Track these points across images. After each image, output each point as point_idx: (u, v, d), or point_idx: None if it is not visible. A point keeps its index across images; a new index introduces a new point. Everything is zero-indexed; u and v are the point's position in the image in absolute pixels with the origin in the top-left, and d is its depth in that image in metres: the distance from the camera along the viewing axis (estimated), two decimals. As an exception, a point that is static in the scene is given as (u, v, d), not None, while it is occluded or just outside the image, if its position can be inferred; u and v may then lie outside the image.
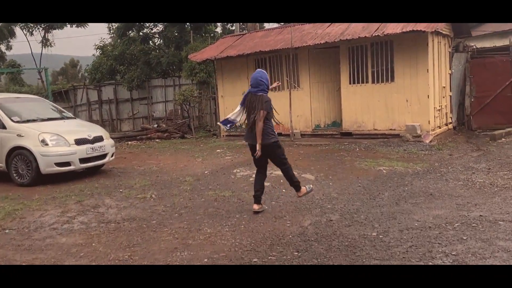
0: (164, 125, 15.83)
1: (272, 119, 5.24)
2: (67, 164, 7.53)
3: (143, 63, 18.96)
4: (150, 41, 20.75)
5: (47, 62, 23.56)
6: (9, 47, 25.74)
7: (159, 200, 6.15)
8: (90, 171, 8.37)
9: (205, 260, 3.96)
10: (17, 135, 7.52)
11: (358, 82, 10.49)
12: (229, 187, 6.66)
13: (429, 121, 9.73)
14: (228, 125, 5.62)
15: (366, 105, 10.38)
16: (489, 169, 7.09)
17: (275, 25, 20.80)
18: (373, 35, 9.54)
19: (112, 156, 8.47)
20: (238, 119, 5.56)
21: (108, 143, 8.28)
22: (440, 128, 10.53)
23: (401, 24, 9.44)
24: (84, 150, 7.70)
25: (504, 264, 3.52)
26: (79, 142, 7.69)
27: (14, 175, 7.57)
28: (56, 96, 21.31)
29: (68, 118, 8.84)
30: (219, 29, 22.33)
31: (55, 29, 22.21)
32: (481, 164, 7.52)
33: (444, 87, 10.86)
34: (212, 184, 6.93)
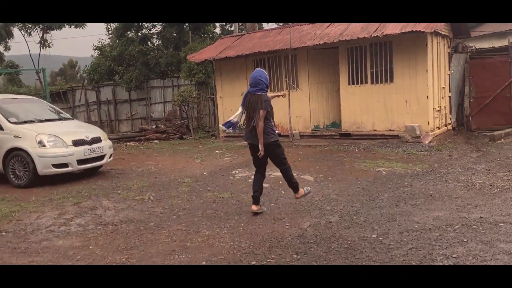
0: (162, 126, 15.78)
1: (272, 119, 5.21)
2: (65, 165, 7.48)
3: (142, 64, 18.92)
4: (149, 42, 20.71)
5: (46, 63, 23.48)
6: (7, 48, 25.66)
7: (157, 201, 6.11)
8: (88, 172, 8.32)
9: (203, 263, 3.92)
10: (14, 136, 7.47)
11: (357, 83, 10.46)
12: (227, 189, 6.62)
13: (428, 122, 9.70)
14: (231, 128, 5.56)
15: (365, 106, 10.35)
16: (489, 170, 7.06)
17: (274, 25, 20.79)
18: (372, 35, 9.52)
19: (110, 157, 8.42)
20: (240, 121, 5.51)
21: (106, 144, 8.23)
22: (439, 129, 10.50)
23: (400, 25, 9.42)
24: (82, 151, 7.65)
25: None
26: (76, 143, 7.64)
27: (11, 176, 7.52)
28: (55, 97, 21.25)
29: (65, 119, 8.79)
30: (217, 30, 22.31)
31: (53, 29, 22.13)
32: (481, 165, 7.49)
33: (443, 87, 10.84)
34: (210, 186, 6.88)
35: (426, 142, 9.51)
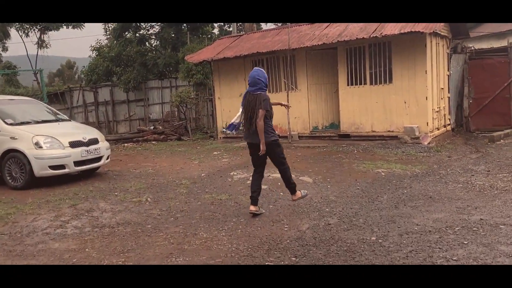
0: (160, 127, 15.73)
1: (271, 118, 5.18)
2: (62, 167, 7.42)
3: (140, 65, 18.84)
4: (147, 42, 20.64)
5: (43, 63, 23.42)
6: (4, 49, 25.59)
7: (155, 203, 6.06)
8: (85, 174, 8.26)
9: (201, 266, 3.87)
10: (11, 137, 7.41)
11: (356, 84, 10.42)
12: (226, 190, 6.57)
13: (427, 123, 9.66)
14: (234, 130, 5.52)
15: (364, 107, 10.31)
16: (489, 171, 7.03)
17: (272, 26, 20.76)
18: (371, 36, 9.48)
19: (107, 158, 8.37)
20: (241, 121, 5.47)
21: (103, 146, 8.18)
22: (438, 129, 10.47)
23: (399, 25, 9.39)
24: (79, 152, 7.59)
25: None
26: (73, 144, 7.58)
27: (8, 178, 7.46)
28: (52, 97, 21.17)
29: (62, 120, 8.73)
30: (216, 31, 22.26)
31: (50, 30, 22.07)
32: (480, 166, 7.46)
33: (442, 88, 10.81)
34: (208, 187, 6.83)
35: (425, 143, 9.48)
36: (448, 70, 11.30)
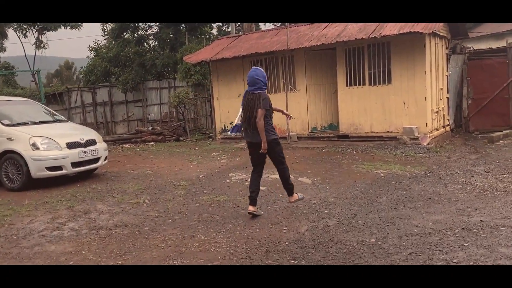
0: (159, 128, 15.67)
1: (271, 117, 5.17)
2: (59, 168, 7.37)
3: (138, 65, 18.80)
4: (145, 43, 20.58)
5: (42, 64, 23.32)
6: (2, 49, 25.47)
7: (152, 205, 6.01)
8: (83, 175, 8.22)
9: (199, 269, 3.82)
10: (8, 138, 7.36)
11: (355, 84, 10.39)
12: (224, 192, 6.53)
13: (426, 124, 9.64)
14: (238, 132, 5.49)
15: (363, 108, 10.28)
16: (488, 172, 7.00)
17: (271, 26, 20.74)
18: (370, 36, 9.45)
19: (105, 159, 8.32)
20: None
21: (101, 147, 8.13)
22: (437, 130, 10.44)
23: (398, 25, 9.36)
24: (76, 154, 7.54)
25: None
26: (71, 145, 7.53)
27: (4, 179, 7.41)
28: (50, 98, 21.10)
29: (60, 121, 8.67)
30: (214, 31, 22.23)
31: (48, 30, 21.97)
32: (480, 167, 7.43)
33: (441, 89, 10.78)
34: (207, 189, 6.79)
35: (424, 143, 9.45)
36: (447, 71, 11.27)
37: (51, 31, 22.14)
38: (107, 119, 20.20)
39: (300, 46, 10.56)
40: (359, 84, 10.32)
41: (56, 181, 7.60)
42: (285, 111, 5.88)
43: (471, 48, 12.41)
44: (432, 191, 5.99)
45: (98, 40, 24.68)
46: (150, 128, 16.20)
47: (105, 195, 6.71)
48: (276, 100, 10.78)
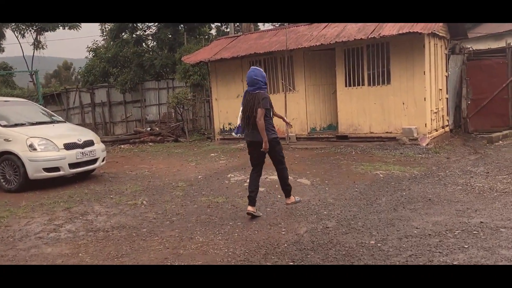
0: (157, 129, 15.63)
1: (272, 117, 5.14)
2: (56, 169, 7.32)
3: (136, 66, 18.76)
4: (144, 43, 20.55)
5: (40, 64, 23.27)
6: (1, 49, 25.42)
7: (150, 206, 5.97)
8: (80, 176, 8.17)
9: (197, 271, 3.78)
10: (5, 139, 7.31)
11: (354, 85, 10.36)
12: (223, 193, 6.49)
13: (425, 124, 9.61)
14: (243, 133, 5.46)
15: (362, 108, 10.25)
16: (488, 173, 6.97)
17: (270, 26, 20.70)
18: (369, 37, 9.43)
19: (103, 160, 8.27)
20: None
21: (98, 148, 8.09)
22: (436, 131, 10.42)
23: (398, 26, 9.33)
24: (74, 154, 7.50)
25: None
26: (68, 146, 7.49)
27: (1, 180, 7.36)
28: (49, 99, 21.04)
29: (58, 122, 8.63)
30: (213, 31, 22.19)
31: (47, 31, 21.94)
32: (479, 167, 7.40)
33: (440, 89, 10.76)
34: (205, 190, 6.75)
35: (424, 144, 9.42)
36: (446, 71, 11.25)
37: (49, 32, 22.12)
38: (105, 120, 20.15)
39: (299, 47, 10.53)
40: (358, 85, 10.29)
41: (54, 182, 7.55)
42: (285, 118, 5.85)
43: (470, 49, 12.39)
44: (432, 192, 5.95)
45: (97, 41, 24.73)
46: (149, 128, 16.16)
47: (102, 196, 6.66)
48: (275, 100, 10.72)
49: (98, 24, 24.87)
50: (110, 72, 20.51)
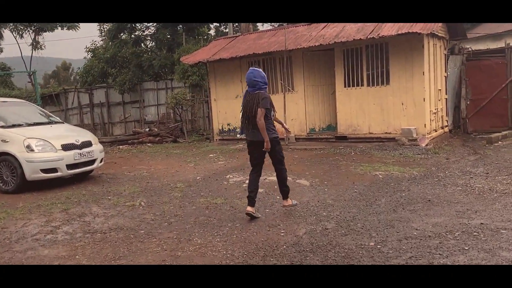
0: (156, 129, 15.58)
1: (272, 116, 5.13)
2: (54, 170, 7.28)
3: (135, 66, 18.72)
4: (142, 44, 20.50)
5: (39, 64, 23.24)
6: (-1, 50, 25.39)
7: (148, 208, 5.93)
8: (78, 177, 8.12)
9: (195, 273, 3.74)
10: (2, 140, 7.26)
11: (353, 85, 10.33)
12: (221, 194, 6.45)
13: (425, 125, 9.58)
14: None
15: (361, 109, 10.22)
16: (487, 173, 6.94)
17: (268, 26, 20.67)
18: (368, 37, 9.40)
19: (101, 161, 8.23)
20: None
21: (97, 148, 8.04)
22: (436, 131, 10.39)
23: (397, 26, 9.30)
24: (72, 155, 7.45)
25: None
26: (66, 147, 7.44)
27: (-2, 182, 7.32)
28: (47, 99, 20.98)
29: (55, 122, 8.58)
30: (212, 32, 22.15)
31: (45, 31, 21.88)
32: (479, 168, 7.37)
33: (439, 89, 10.73)
34: (204, 191, 6.71)
35: (423, 145, 9.39)
36: (445, 71, 11.23)
37: (47, 32, 22.06)
38: (104, 120, 20.11)
39: (298, 47, 10.49)
40: (357, 85, 10.26)
41: (51, 183, 7.50)
42: (284, 124, 5.80)
43: (470, 49, 12.37)
44: (431, 193, 5.92)
45: (95, 41, 24.64)
46: (147, 129, 16.12)
47: (100, 197, 6.62)
48: (274, 101, 10.56)
49: (96, 24, 24.85)
50: (108, 72, 20.46)
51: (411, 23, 9.01)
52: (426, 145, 9.42)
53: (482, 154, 8.77)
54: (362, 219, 4.94)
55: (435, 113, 10.31)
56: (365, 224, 4.75)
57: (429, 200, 5.56)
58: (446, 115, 11.42)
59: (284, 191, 5.28)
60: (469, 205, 5.26)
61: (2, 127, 7.50)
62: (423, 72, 9.49)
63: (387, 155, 8.77)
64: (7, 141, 7.23)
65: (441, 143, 10.16)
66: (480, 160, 8.09)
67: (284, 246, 4.25)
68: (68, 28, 21.87)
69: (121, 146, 14.12)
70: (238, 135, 5.68)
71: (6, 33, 23.44)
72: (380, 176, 7.03)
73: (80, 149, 7.63)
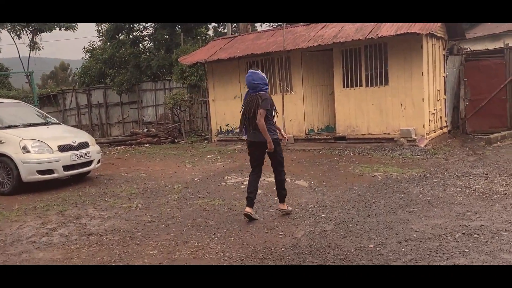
0: (154, 130, 15.52)
1: (273, 117, 5.10)
2: (50, 171, 7.22)
3: (133, 67, 18.64)
4: (140, 44, 20.43)
5: (37, 65, 23.13)
6: (-3, 50, 25.24)
7: (146, 209, 5.87)
8: (75, 178, 8.06)
9: (191, 277, 3.69)
10: (-2, 141, 7.20)
11: (351, 86, 10.29)
12: (219, 195, 6.40)
13: (424, 125, 9.54)
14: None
15: (360, 109, 10.18)
16: (487, 174, 6.90)
17: (267, 27, 20.63)
18: (367, 37, 9.36)
19: (98, 163, 8.17)
20: None
21: (93, 150, 7.98)
22: (435, 132, 10.35)
23: (395, 26, 9.26)
24: (68, 157, 7.39)
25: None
26: (63, 148, 7.38)
27: (-6, 183, 7.25)
28: (45, 100, 20.88)
29: (52, 123, 8.52)
30: (210, 32, 22.09)
31: (43, 32, 21.78)
32: (478, 169, 7.33)
33: (438, 90, 10.70)
34: (201, 192, 6.65)
35: (422, 145, 9.35)
36: (444, 72, 11.19)
37: (45, 32, 21.95)
38: (102, 121, 20.02)
39: (296, 47, 10.45)
40: (356, 86, 10.22)
41: (48, 184, 7.44)
42: (283, 132, 5.73)
43: (468, 49, 12.35)
44: (431, 194, 5.88)
45: (93, 42, 24.54)
46: (145, 130, 16.05)
47: (97, 199, 6.56)
48: (275, 100, 10.66)
49: (94, 25, 24.73)
50: (106, 73, 20.38)
51: (410, 23, 8.97)
52: (425, 145, 9.38)
53: (481, 154, 8.73)
54: (361, 221, 4.89)
55: (434, 113, 10.28)
56: (364, 226, 4.71)
57: (429, 201, 5.52)
58: (445, 115, 11.39)
59: (282, 194, 5.23)
60: (469, 206, 5.22)
61: (-2, 128, 7.43)
62: (422, 73, 9.45)
63: (386, 156, 8.73)
64: (3, 142, 7.17)
65: (440, 143, 10.12)
66: (479, 161, 8.05)
67: (283, 249, 4.20)
68: (66, 29, 21.74)
69: (119, 147, 14.06)
70: (243, 137, 5.54)
71: (4, 33, 23.40)
72: (379, 177, 6.99)
73: (77, 150, 7.57)
